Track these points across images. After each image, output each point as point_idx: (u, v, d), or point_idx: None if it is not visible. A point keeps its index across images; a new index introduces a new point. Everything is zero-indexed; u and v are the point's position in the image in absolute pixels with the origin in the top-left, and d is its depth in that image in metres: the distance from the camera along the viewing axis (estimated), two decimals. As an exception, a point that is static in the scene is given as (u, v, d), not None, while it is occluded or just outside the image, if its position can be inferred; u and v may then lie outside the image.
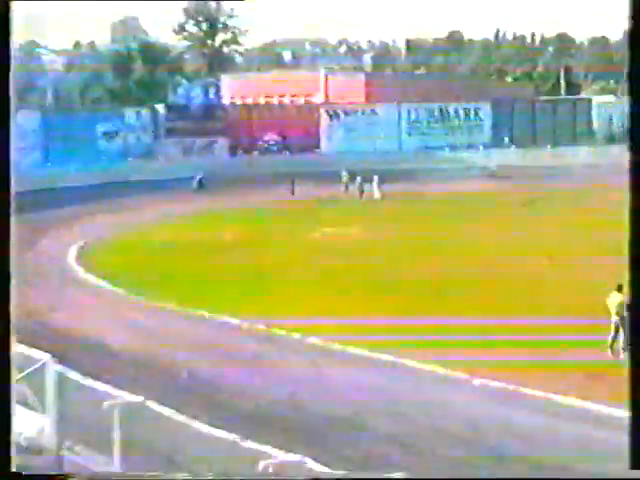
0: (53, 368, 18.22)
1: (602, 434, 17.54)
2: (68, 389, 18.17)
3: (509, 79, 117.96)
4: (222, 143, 74.42)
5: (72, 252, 40.14)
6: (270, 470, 13.77)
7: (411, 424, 19.51)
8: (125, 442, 16.69)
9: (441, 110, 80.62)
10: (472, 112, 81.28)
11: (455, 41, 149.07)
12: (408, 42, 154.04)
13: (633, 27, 5.31)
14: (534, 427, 19.04)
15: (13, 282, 29.12)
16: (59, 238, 43.86)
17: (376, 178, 57.30)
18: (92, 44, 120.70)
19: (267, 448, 14.37)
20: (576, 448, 17.49)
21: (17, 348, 19.37)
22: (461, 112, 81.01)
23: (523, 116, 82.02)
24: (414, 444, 18.40)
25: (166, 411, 16.45)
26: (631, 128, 4.96)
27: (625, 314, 21.38)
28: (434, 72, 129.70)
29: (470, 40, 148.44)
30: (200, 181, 61.63)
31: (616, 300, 22.94)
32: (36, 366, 18.62)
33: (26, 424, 17.68)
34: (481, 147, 76.79)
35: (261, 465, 13.79)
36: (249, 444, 14.65)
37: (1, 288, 5.31)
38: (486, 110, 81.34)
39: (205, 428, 15.85)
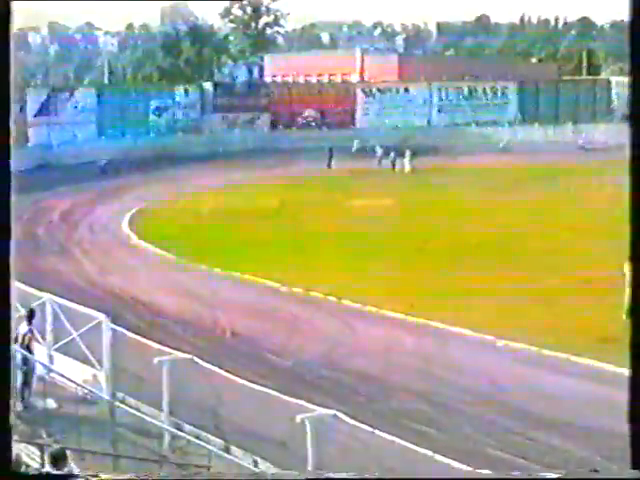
0: (107, 326, 18.36)
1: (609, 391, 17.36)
2: (121, 346, 18.32)
3: (534, 60, 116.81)
4: (264, 118, 74.37)
5: (125, 219, 40.30)
6: (307, 423, 13.83)
7: (439, 382, 19.51)
8: (173, 395, 16.82)
9: (469, 89, 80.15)
10: (499, 91, 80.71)
11: (483, 24, 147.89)
12: (439, 25, 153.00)
13: (633, 23, 5.18)
14: (555, 386, 19.01)
15: (76, 250, 28.70)
16: (113, 206, 44.03)
17: (408, 152, 57.18)
18: (144, 26, 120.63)
19: (303, 402, 14.42)
20: (588, 404, 17.49)
21: (75, 308, 19.63)
22: (488, 91, 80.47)
23: (547, 95, 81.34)
24: (442, 402, 18.41)
25: (211, 367, 16.55)
26: (632, 128, 4.85)
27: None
28: (463, 53, 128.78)
29: (497, 23, 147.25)
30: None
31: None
32: (92, 324, 18.77)
33: (83, 377, 17.86)
34: (507, 124, 76.30)
35: (298, 418, 13.85)
36: (287, 398, 14.72)
37: (1, 288, 5.25)
38: (512, 89, 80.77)
39: (247, 383, 15.93)
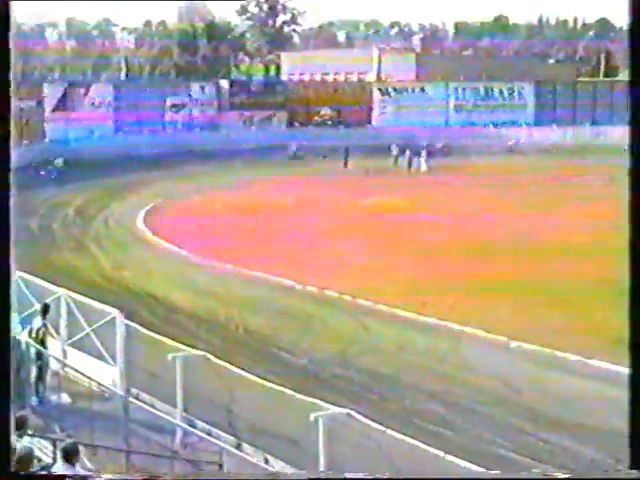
0: (121, 322, 18.41)
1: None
2: (135, 341, 18.37)
3: (552, 61, 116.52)
4: (280, 116, 74.44)
5: (140, 215, 40.41)
6: (320, 422, 13.84)
7: (452, 382, 19.49)
8: (187, 391, 16.86)
9: (486, 90, 79.99)
10: (516, 92, 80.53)
11: (501, 24, 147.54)
12: (456, 25, 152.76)
13: (633, 23, 5.15)
14: (568, 388, 18.97)
15: (92, 246, 28.78)
16: (129, 202, 44.16)
17: (424, 152, 57.23)
18: (162, 23, 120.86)
19: (317, 401, 14.43)
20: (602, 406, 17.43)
21: (90, 303, 19.70)
22: (505, 92, 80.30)
23: (564, 96, 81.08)
24: (456, 402, 18.38)
25: (224, 364, 16.58)
26: (632, 128, 4.82)
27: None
28: (480, 54, 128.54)
29: (515, 24, 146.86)
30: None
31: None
32: (106, 320, 18.83)
33: (97, 373, 17.91)
34: (524, 125, 76.18)
35: (312, 416, 13.86)
36: (301, 396, 14.73)
37: (1, 288, 5.26)
38: (529, 90, 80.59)
39: (260, 380, 15.95)
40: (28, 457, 9.70)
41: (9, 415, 5.65)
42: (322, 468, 13.79)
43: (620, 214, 5.44)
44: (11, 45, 5.04)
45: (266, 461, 15.12)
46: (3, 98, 5.08)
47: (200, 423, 16.45)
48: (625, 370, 5.09)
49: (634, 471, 5.07)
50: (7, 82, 5.09)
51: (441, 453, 12.52)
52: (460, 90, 79.16)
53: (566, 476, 5.92)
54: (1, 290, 5.21)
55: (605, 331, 20.14)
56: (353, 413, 13.94)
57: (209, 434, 15.85)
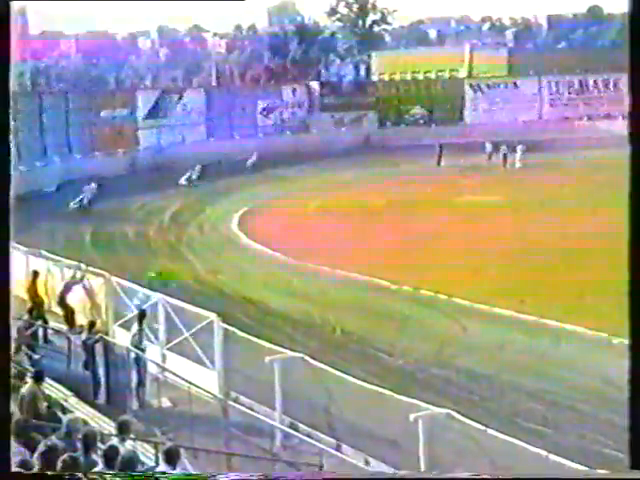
0: (219, 325, 18.63)
1: None
2: (233, 345, 18.57)
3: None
4: (371, 117, 74.38)
5: (235, 219, 40.77)
6: (420, 422, 13.82)
7: (552, 381, 19.29)
8: (285, 394, 16.97)
9: (580, 82, 78.85)
10: (611, 83, 79.20)
11: (595, 15, 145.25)
12: (549, 18, 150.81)
13: (633, 23, 5.06)
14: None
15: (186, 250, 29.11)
16: (223, 206, 44.53)
17: (519, 148, 56.64)
18: (252, 27, 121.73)
19: (416, 401, 14.42)
20: None
21: (187, 307, 19.98)
22: (600, 84, 79.04)
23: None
24: (556, 401, 18.20)
25: (322, 366, 16.66)
26: (632, 128, 4.71)
27: None
28: (575, 46, 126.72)
29: (610, 14, 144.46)
30: None
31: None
32: (203, 324, 19.07)
33: (196, 377, 18.15)
34: (620, 117, 74.84)
35: (412, 417, 13.86)
36: (399, 397, 14.73)
37: (1, 288, 5.32)
38: (625, 81, 79.05)
39: (358, 381, 15.99)
40: (132, 460, 9.90)
41: (9, 415, 5.78)
42: (423, 469, 13.79)
43: None
44: (11, 45, 5.08)
45: (366, 462, 15.16)
46: (4, 97, 5.09)
47: (300, 425, 16.57)
48: None
49: (634, 471, 4.99)
50: (7, 82, 5.12)
51: (543, 452, 12.43)
52: (554, 84, 78.20)
53: (567, 476, 5.86)
54: (1, 289, 5.29)
55: None
56: (453, 413, 13.90)
57: (309, 436, 15.95)
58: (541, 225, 35.99)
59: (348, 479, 8.77)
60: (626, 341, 21.31)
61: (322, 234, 35.95)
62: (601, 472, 12.16)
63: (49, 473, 8.16)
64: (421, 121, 74.91)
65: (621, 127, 71.21)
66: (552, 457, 12.36)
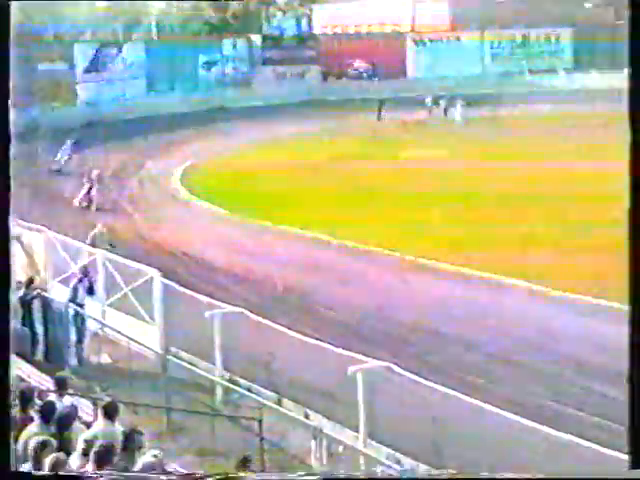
0: (159, 281, 18.59)
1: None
2: (173, 300, 18.55)
3: (588, 5, 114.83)
4: (314, 71, 74.09)
5: (177, 174, 40.55)
6: (359, 375, 13.94)
7: (491, 333, 19.52)
8: (225, 348, 17.01)
9: (523, 36, 79.09)
10: (553, 38, 79.56)
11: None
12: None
13: (633, 23, 5.12)
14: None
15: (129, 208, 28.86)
16: (165, 161, 44.20)
17: (459, 102, 56.65)
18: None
19: (356, 355, 14.53)
20: None
21: (127, 263, 19.93)
22: (542, 38, 79.36)
23: (603, 41, 79.87)
24: (493, 352, 18.44)
25: (262, 320, 16.71)
26: (632, 128, 4.78)
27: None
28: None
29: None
30: None
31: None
32: (144, 279, 19.03)
33: (136, 333, 18.15)
34: (562, 72, 75.22)
35: (350, 370, 13.97)
36: (339, 351, 14.84)
37: (1, 287, 5.32)
38: (567, 35, 79.51)
39: (298, 335, 16.06)
40: (70, 416, 9.91)
41: (9, 415, 5.78)
42: (362, 421, 13.94)
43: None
44: (11, 44, 5.02)
45: (306, 416, 15.26)
46: (3, 96, 5.03)
47: (240, 380, 16.63)
48: None
49: (634, 471, 5.10)
50: (7, 82, 5.08)
51: (481, 403, 12.60)
52: (496, 38, 78.37)
53: (567, 476, 5.98)
54: (1, 288, 5.28)
55: None
56: (392, 366, 14.04)
57: (249, 390, 16.03)
58: (478, 178, 36.05)
59: (353, 479, 9.02)
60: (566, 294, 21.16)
61: (263, 189, 35.85)
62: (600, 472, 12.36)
63: (50, 473, 8.16)
64: (364, 75, 74.73)
65: (562, 82, 71.77)
66: (488, 407, 12.56)
